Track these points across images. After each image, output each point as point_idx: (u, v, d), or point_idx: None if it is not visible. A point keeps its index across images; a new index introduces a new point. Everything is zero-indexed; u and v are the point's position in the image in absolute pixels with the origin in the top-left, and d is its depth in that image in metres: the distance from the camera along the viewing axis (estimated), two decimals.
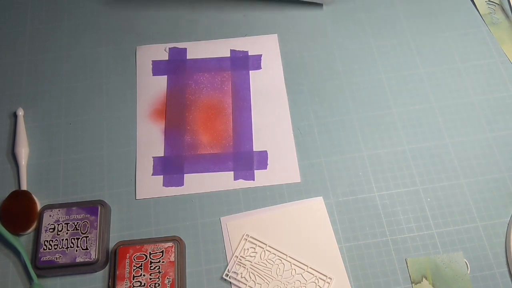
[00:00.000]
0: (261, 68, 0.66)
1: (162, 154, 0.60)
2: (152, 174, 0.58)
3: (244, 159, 0.59)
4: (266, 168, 0.58)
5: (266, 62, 0.66)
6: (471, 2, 0.69)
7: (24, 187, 0.57)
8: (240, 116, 0.62)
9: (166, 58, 0.66)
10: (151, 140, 0.60)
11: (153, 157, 0.59)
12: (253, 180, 0.58)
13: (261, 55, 0.67)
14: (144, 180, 0.58)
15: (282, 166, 0.59)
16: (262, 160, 0.59)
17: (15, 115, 0.61)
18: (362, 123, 0.61)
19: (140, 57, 0.66)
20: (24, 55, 0.66)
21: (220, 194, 0.57)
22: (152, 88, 0.64)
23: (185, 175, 0.58)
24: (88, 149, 0.60)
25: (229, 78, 0.65)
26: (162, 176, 0.58)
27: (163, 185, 0.58)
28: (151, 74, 0.65)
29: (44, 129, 0.61)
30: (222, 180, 0.58)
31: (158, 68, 0.65)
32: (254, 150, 0.60)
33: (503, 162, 0.58)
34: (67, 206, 0.54)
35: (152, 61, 0.66)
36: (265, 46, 0.68)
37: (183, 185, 0.58)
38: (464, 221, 0.55)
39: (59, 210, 0.54)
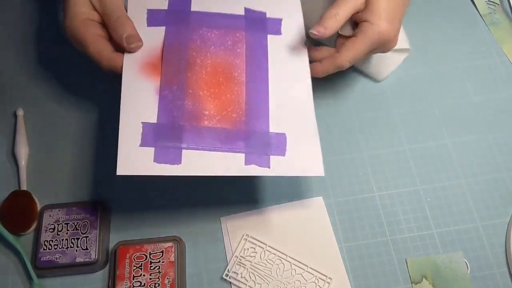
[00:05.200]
0: (281, 34, 0.54)
1: (154, 120, 0.47)
2: (141, 145, 0.46)
3: (259, 140, 0.48)
4: (284, 155, 0.48)
5: (287, 29, 0.54)
6: (471, 2, 0.69)
7: (24, 187, 0.57)
8: (255, 87, 0.51)
9: (165, 7, 0.54)
10: (140, 100, 0.48)
11: (142, 122, 0.47)
12: (268, 167, 0.47)
13: (281, 20, 0.55)
14: (130, 151, 0.46)
15: (303, 154, 0.49)
16: (279, 144, 0.49)
17: (15, 115, 0.61)
18: (362, 124, 0.61)
19: (133, 4, 0.54)
20: (25, 55, 0.66)
21: (220, 193, 0.57)
22: (146, 40, 0.51)
23: (183, 150, 0.47)
24: (88, 149, 0.59)
25: (243, 39, 0.53)
26: (153, 148, 0.46)
27: (154, 160, 0.46)
28: (145, 25, 0.52)
29: (44, 129, 0.61)
30: (230, 163, 0.47)
31: (154, 18, 0.53)
32: (270, 131, 0.49)
33: (503, 162, 0.58)
34: (67, 206, 0.54)
35: (148, 10, 0.53)
36: (286, 9, 0.56)
37: (180, 162, 0.46)
38: (464, 221, 0.55)
39: (59, 210, 0.54)
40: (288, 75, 0.52)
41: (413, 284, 0.52)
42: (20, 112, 0.61)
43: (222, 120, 0.49)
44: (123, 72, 0.49)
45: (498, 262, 0.52)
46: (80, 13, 0.50)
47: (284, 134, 0.49)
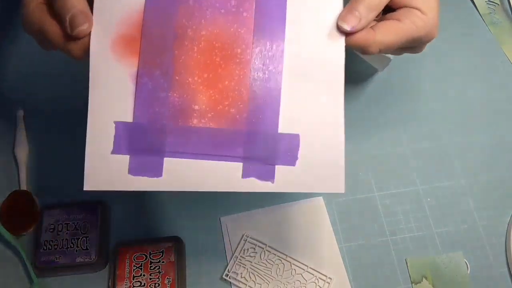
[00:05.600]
0: None
1: (130, 119, 0.37)
2: (113, 152, 0.37)
3: (262, 145, 0.38)
4: (294, 164, 0.38)
5: None
6: (471, 2, 0.69)
7: (24, 187, 0.57)
8: (264, 68, 0.38)
9: None
10: (112, 91, 0.37)
11: (115, 122, 0.37)
12: (272, 181, 0.38)
13: None
14: (99, 160, 0.37)
15: (319, 164, 0.38)
16: (290, 149, 0.38)
17: (15, 115, 0.61)
18: (362, 123, 0.61)
19: None
20: (25, 55, 0.66)
21: (220, 193, 0.56)
22: (120, 1, 0.38)
23: (165, 159, 0.37)
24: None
25: None
26: (128, 156, 0.37)
27: (129, 172, 0.37)
28: None
29: (44, 129, 0.61)
30: (224, 175, 0.38)
31: None
32: (279, 131, 0.38)
33: (503, 162, 0.58)
34: (67, 206, 0.54)
35: None
36: None
37: (161, 175, 0.37)
38: (464, 221, 0.55)
39: (59, 210, 0.54)
40: (313, 52, 0.38)
41: (413, 284, 0.51)
42: (20, 113, 0.61)
43: (217, 118, 0.38)
44: (90, 52, 0.37)
45: (498, 262, 0.52)
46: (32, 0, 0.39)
47: (297, 135, 0.38)
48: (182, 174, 0.37)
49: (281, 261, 0.52)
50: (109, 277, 0.52)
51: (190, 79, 0.38)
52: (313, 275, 0.52)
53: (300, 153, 0.38)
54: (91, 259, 0.51)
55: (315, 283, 0.51)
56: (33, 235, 0.54)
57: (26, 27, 0.40)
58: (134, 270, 0.51)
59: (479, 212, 0.55)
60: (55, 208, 0.54)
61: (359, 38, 0.38)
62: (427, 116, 0.61)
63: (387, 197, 0.56)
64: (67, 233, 0.53)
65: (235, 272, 0.52)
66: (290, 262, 0.52)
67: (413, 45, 0.43)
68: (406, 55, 0.56)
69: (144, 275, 0.51)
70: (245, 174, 0.38)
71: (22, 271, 0.53)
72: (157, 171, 0.37)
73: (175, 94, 0.38)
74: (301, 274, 0.52)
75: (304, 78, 0.38)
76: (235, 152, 0.38)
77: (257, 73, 0.38)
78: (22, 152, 0.58)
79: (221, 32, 0.38)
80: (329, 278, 0.51)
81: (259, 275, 0.52)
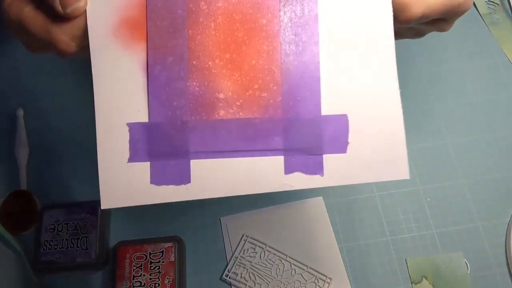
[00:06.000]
0: None
1: (145, 118, 0.32)
2: (129, 160, 0.32)
3: (305, 132, 0.32)
4: (344, 151, 0.32)
5: None
6: None
7: (24, 187, 0.57)
8: (297, 38, 0.32)
9: None
10: (120, 86, 0.32)
11: (128, 123, 0.32)
12: (321, 173, 0.32)
13: None
14: (115, 172, 0.32)
15: (376, 147, 0.32)
16: (338, 133, 0.32)
17: (15, 115, 0.61)
18: None
19: None
20: (25, 54, 0.66)
21: None
22: None
23: (192, 161, 0.32)
24: (89, 149, 0.59)
25: None
26: (148, 163, 0.32)
27: (151, 182, 0.32)
28: None
29: (44, 129, 0.61)
30: (263, 174, 0.32)
31: None
32: (322, 113, 0.32)
33: (503, 162, 0.58)
34: (67, 206, 0.54)
35: None
36: None
37: (189, 181, 0.32)
38: (464, 221, 0.55)
39: (59, 210, 0.54)
40: (354, 12, 0.32)
41: (413, 284, 0.51)
42: (20, 112, 0.61)
43: (247, 105, 0.32)
44: (89, 40, 0.31)
45: (498, 262, 0.52)
46: None
47: (345, 116, 0.32)
48: (213, 177, 0.32)
49: (281, 261, 0.52)
50: (109, 277, 0.52)
51: (210, 63, 0.32)
52: (313, 275, 0.52)
53: (351, 137, 0.32)
54: (91, 259, 0.51)
55: (315, 283, 0.51)
56: (33, 235, 0.54)
57: (6, 26, 0.34)
58: (134, 270, 0.51)
59: (479, 212, 0.55)
60: (55, 208, 0.54)
61: None
62: (427, 116, 0.61)
63: (387, 197, 0.56)
64: (67, 233, 0.53)
65: (235, 272, 0.52)
66: (290, 262, 0.52)
67: (450, 15, 0.36)
68: (408, 54, 0.56)
69: (144, 275, 0.51)
70: (288, 169, 0.32)
71: (22, 271, 0.53)
72: (184, 177, 0.32)
73: (194, 83, 0.32)
74: (301, 274, 0.52)
75: (345, 46, 0.32)
76: (273, 144, 0.32)
77: (289, 46, 0.32)
78: (22, 152, 0.58)
79: (241, 0, 0.32)
80: (329, 278, 0.51)
81: (259, 275, 0.52)
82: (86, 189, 0.57)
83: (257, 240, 0.53)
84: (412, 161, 0.58)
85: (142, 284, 0.50)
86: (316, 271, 0.52)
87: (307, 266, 0.52)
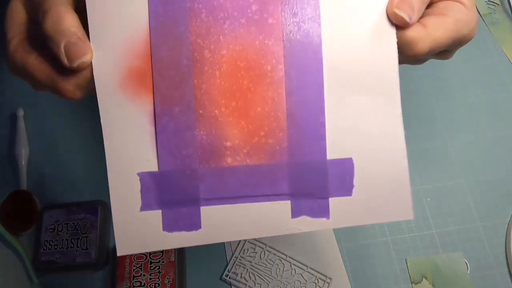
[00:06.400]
0: None
1: (155, 167, 0.33)
2: (142, 209, 0.33)
3: (310, 176, 0.33)
4: (350, 194, 0.33)
5: None
6: None
7: (24, 187, 0.57)
8: (302, 85, 0.32)
9: None
10: (129, 136, 0.32)
11: (139, 173, 0.33)
12: (327, 217, 0.33)
13: None
14: (128, 221, 0.33)
15: (381, 189, 0.33)
16: (343, 177, 0.33)
17: (15, 115, 0.61)
18: None
19: None
20: None
21: None
22: (120, 16, 0.32)
23: (202, 208, 0.33)
24: (89, 149, 0.59)
25: None
26: (159, 211, 0.33)
27: (163, 229, 0.33)
28: None
29: (44, 129, 0.61)
30: (270, 218, 0.33)
31: None
32: (328, 157, 0.33)
33: (503, 162, 0.58)
34: (67, 206, 0.54)
35: None
36: None
37: (199, 227, 0.33)
38: (464, 221, 0.55)
39: (59, 210, 0.54)
40: (358, 56, 0.32)
41: (413, 284, 0.51)
42: (20, 112, 0.61)
43: (253, 152, 0.32)
44: (96, 92, 0.32)
45: (498, 262, 0.52)
46: (14, 36, 0.33)
47: (350, 159, 0.33)
48: (223, 222, 0.33)
49: (281, 261, 0.52)
50: (109, 277, 0.52)
51: (216, 111, 0.32)
52: (313, 275, 0.52)
53: (356, 180, 0.33)
54: (91, 259, 0.51)
55: (315, 283, 0.51)
56: (33, 235, 0.54)
57: (10, 70, 0.34)
58: (134, 270, 0.51)
59: (479, 212, 0.55)
60: (55, 208, 0.54)
61: (411, 32, 0.32)
62: (427, 116, 0.61)
63: None
64: (67, 233, 0.53)
65: (235, 272, 0.52)
66: (290, 262, 0.52)
67: (454, 46, 0.38)
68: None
69: (144, 275, 0.51)
70: (294, 213, 0.33)
71: (22, 271, 0.53)
72: (195, 224, 0.33)
73: (201, 132, 0.32)
74: (301, 274, 0.52)
75: (350, 90, 0.32)
76: (279, 189, 0.33)
77: (294, 93, 0.32)
78: (22, 152, 0.58)
79: (245, 47, 0.32)
80: (329, 278, 0.51)
81: (259, 275, 0.52)
82: (86, 189, 0.57)
83: (257, 240, 0.53)
84: (412, 161, 0.58)
85: (142, 284, 0.50)
86: (316, 271, 0.52)
87: (307, 266, 0.52)
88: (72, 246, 0.52)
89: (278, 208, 0.33)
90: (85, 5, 0.31)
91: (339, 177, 0.33)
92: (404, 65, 0.66)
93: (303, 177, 0.33)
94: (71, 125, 0.61)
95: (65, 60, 0.30)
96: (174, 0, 0.32)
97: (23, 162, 0.58)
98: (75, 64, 0.30)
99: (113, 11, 0.31)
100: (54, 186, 0.57)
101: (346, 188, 0.33)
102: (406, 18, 0.31)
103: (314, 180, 0.33)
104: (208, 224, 0.33)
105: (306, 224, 0.33)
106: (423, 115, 0.61)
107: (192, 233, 0.33)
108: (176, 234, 0.33)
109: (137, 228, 0.33)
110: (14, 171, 0.58)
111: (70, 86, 0.32)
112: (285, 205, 0.33)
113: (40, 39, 0.32)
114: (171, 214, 0.33)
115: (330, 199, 0.33)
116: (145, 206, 0.33)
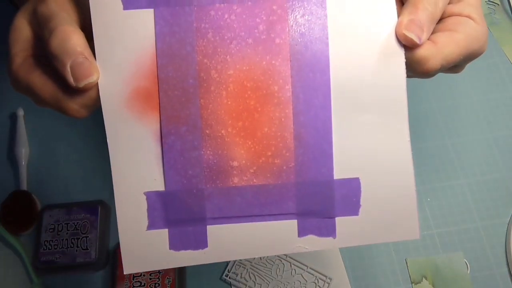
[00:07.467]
0: None
1: (161, 187, 0.33)
2: (148, 228, 0.33)
3: (317, 196, 0.33)
4: (357, 214, 0.33)
5: None
6: None
7: (24, 187, 0.57)
8: (309, 106, 0.32)
9: None
10: (136, 156, 0.33)
11: (145, 192, 0.33)
12: (334, 236, 0.33)
13: None
14: (135, 240, 0.33)
15: (388, 208, 0.33)
16: (350, 196, 0.33)
17: (15, 115, 0.61)
18: None
19: None
20: None
21: None
22: (126, 37, 0.32)
23: (208, 227, 0.33)
24: (89, 149, 0.60)
25: (285, 14, 0.32)
26: (166, 230, 0.33)
27: (170, 248, 0.33)
28: (121, 6, 0.31)
29: (44, 129, 0.61)
30: (277, 237, 0.33)
31: None
32: (335, 177, 0.33)
33: (503, 162, 0.58)
34: (67, 206, 0.54)
35: None
36: None
37: (206, 246, 0.33)
38: (464, 221, 0.55)
39: (59, 210, 0.54)
40: (366, 76, 0.32)
41: (413, 284, 0.51)
42: (20, 112, 0.61)
43: (260, 172, 0.33)
44: (103, 112, 0.32)
45: (498, 262, 0.52)
46: (18, 52, 0.33)
47: (357, 179, 0.33)
48: (229, 241, 0.33)
49: (281, 261, 0.52)
50: (109, 277, 0.52)
51: (223, 131, 0.32)
52: (313, 275, 0.52)
53: (363, 200, 0.33)
54: (91, 259, 0.51)
55: (315, 283, 0.51)
56: (33, 235, 0.54)
57: (13, 86, 0.34)
58: None
59: (479, 212, 0.55)
60: (55, 208, 0.54)
61: (422, 50, 0.32)
62: (427, 116, 0.61)
63: None
64: (67, 233, 0.53)
65: (235, 272, 0.52)
66: (290, 262, 0.52)
67: (465, 60, 0.37)
68: None
69: (144, 275, 0.51)
70: (301, 232, 0.33)
71: (22, 271, 0.53)
72: (201, 243, 0.33)
73: (208, 152, 0.32)
74: (301, 274, 0.52)
75: (358, 109, 0.32)
76: (286, 209, 0.33)
77: (301, 113, 0.32)
78: (22, 152, 0.58)
79: (252, 68, 0.32)
80: (329, 278, 0.51)
81: (259, 275, 0.52)
82: (86, 189, 0.57)
83: None
84: (412, 161, 0.58)
85: (142, 284, 0.50)
86: (316, 271, 0.52)
87: (307, 266, 0.52)
88: (72, 246, 0.52)
89: (284, 227, 0.33)
90: (91, 25, 0.31)
91: (346, 197, 0.32)
92: None
93: (310, 197, 0.33)
94: (71, 125, 0.61)
95: (71, 80, 0.30)
96: (180, 21, 0.32)
97: (23, 162, 0.58)
98: (81, 85, 0.30)
99: (119, 31, 0.31)
100: (54, 186, 0.57)
101: (353, 208, 0.33)
102: (416, 39, 0.31)
103: (320, 199, 0.33)
104: (214, 243, 0.33)
105: (312, 243, 0.33)
106: (423, 115, 0.61)
107: (199, 252, 0.33)
108: (183, 252, 0.33)
109: (144, 247, 0.33)
110: (14, 171, 0.58)
111: (75, 105, 0.32)
112: (292, 224, 0.33)
113: (45, 57, 0.32)
114: (178, 233, 0.33)
115: (336, 218, 0.33)
116: (151, 225, 0.33)
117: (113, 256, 0.52)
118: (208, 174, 0.32)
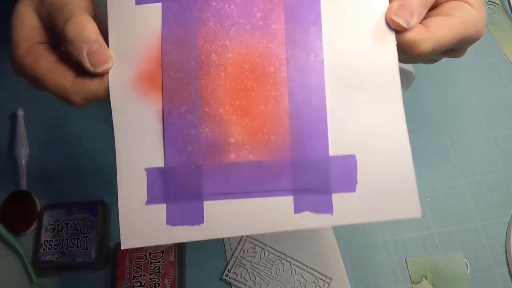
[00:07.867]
0: None
1: (161, 163, 0.34)
2: (147, 202, 0.34)
3: (313, 172, 0.33)
4: (354, 190, 0.33)
5: None
6: None
7: (24, 187, 0.57)
8: (303, 85, 0.33)
9: None
10: (139, 134, 0.34)
11: (146, 168, 0.34)
12: (331, 213, 0.33)
13: None
14: (134, 214, 0.34)
15: (386, 185, 0.33)
16: (346, 174, 0.33)
17: (15, 115, 0.61)
18: None
19: None
20: None
21: None
22: (136, 28, 0.35)
23: (205, 202, 0.34)
24: (88, 149, 0.60)
25: (280, 2, 0.34)
26: (164, 205, 0.34)
27: (167, 223, 0.34)
28: (133, 2, 0.35)
29: (44, 129, 0.61)
30: (273, 213, 0.33)
31: None
32: (330, 154, 0.33)
33: (503, 162, 0.58)
34: (67, 206, 0.54)
35: None
36: None
37: (202, 222, 0.34)
38: (464, 221, 0.55)
39: (59, 210, 0.54)
40: (359, 57, 0.33)
41: (413, 284, 0.52)
42: (20, 112, 0.61)
43: (256, 149, 0.33)
44: (110, 94, 0.34)
45: (498, 262, 0.52)
46: (23, 39, 0.34)
47: (353, 156, 0.33)
48: (226, 217, 0.33)
49: (281, 261, 0.52)
50: (109, 277, 0.52)
51: (221, 110, 0.34)
52: (313, 275, 0.52)
53: (359, 177, 0.33)
54: (91, 259, 0.51)
55: (315, 283, 0.51)
56: (33, 235, 0.54)
57: (16, 72, 0.35)
58: (134, 270, 0.51)
59: (479, 212, 0.55)
60: (55, 208, 0.54)
61: (412, 33, 0.32)
62: (427, 116, 0.61)
63: None
64: (67, 233, 0.53)
65: (235, 272, 0.52)
66: (290, 262, 0.52)
67: (461, 45, 0.38)
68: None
69: (144, 275, 0.51)
70: (297, 209, 0.33)
71: (22, 271, 0.53)
72: (197, 218, 0.33)
73: (206, 129, 0.34)
74: (301, 274, 0.52)
75: (352, 89, 0.33)
76: (282, 185, 0.33)
77: (296, 92, 0.33)
78: (22, 152, 0.58)
79: (249, 51, 0.34)
80: (329, 278, 0.51)
81: (259, 275, 0.52)
82: (86, 189, 0.57)
83: (257, 240, 0.53)
84: (412, 161, 0.58)
85: (142, 284, 0.50)
86: (316, 271, 0.52)
87: (307, 266, 0.52)
88: (72, 246, 0.52)
89: (280, 204, 0.33)
90: (100, 16, 0.34)
91: (342, 173, 0.33)
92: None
93: (306, 173, 0.33)
94: (71, 125, 0.61)
95: (88, 65, 0.32)
96: (185, 12, 0.34)
97: (23, 162, 0.58)
98: (99, 70, 0.33)
99: (131, 23, 0.34)
100: (54, 186, 0.57)
101: (349, 184, 0.33)
102: (404, 24, 0.32)
103: (316, 176, 0.33)
104: (211, 219, 0.33)
105: (309, 220, 0.33)
106: (423, 115, 0.61)
107: (195, 228, 0.33)
108: (180, 228, 0.33)
109: (142, 222, 0.34)
110: (14, 171, 0.58)
111: (79, 98, 0.34)
112: (288, 201, 0.33)
113: (53, 45, 0.33)
114: (175, 209, 0.34)
115: (333, 195, 0.33)
116: (150, 200, 0.34)
117: (113, 256, 0.52)
118: (206, 150, 0.34)
